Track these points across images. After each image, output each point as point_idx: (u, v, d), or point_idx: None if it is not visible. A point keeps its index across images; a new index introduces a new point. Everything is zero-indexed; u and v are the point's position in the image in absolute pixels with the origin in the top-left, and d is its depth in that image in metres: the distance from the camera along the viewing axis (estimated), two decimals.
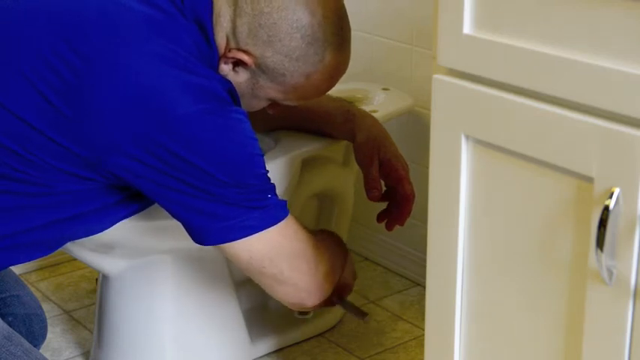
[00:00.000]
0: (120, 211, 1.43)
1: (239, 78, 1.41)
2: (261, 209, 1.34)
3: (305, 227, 1.45)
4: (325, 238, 1.53)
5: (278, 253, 1.40)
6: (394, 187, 1.65)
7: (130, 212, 1.45)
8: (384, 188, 1.66)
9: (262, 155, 1.35)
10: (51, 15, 1.34)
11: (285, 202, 1.38)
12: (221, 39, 1.38)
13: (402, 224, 1.65)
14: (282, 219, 1.37)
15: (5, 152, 1.31)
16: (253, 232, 1.35)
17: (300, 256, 1.43)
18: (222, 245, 1.36)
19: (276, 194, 1.37)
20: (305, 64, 1.39)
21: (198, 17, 1.36)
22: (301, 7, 1.36)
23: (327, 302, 1.59)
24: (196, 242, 1.37)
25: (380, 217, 1.67)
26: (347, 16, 1.44)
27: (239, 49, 1.38)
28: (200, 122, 1.28)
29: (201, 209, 1.33)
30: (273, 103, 1.47)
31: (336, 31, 1.40)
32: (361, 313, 1.72)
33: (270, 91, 1.42)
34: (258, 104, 1.47)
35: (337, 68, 1.43)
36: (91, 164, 1.31)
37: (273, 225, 1.36)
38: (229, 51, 1.38)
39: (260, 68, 1.39)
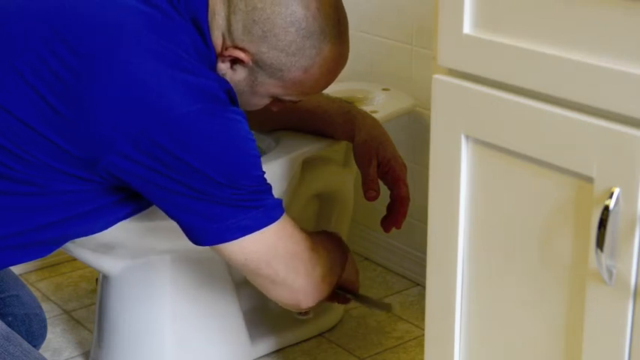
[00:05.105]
0: (118, 211, 1.43)
1: (237, 76, 1.41)
2: (257, 209, 1.34)
3: (302, 228, 1.44)
4: (323, 239, 1.52)
5: (274, 254, 1.39)
6: (391, 190, 1.65)
7: (128, 213, 1.45)
8: (382, 189, 1.66)
9: (259, 157, 1.34)
10: (48, 14, 1.33)
11: (281, 201, 1.38)
12: (217, 38, 1.38)
13: (398, 227, 1.64)
14: (278, 219, 1.37)
15: (2, 152, 1.31)
16: (248, 233, 1.35)
17: (296, 258, 1.42)
18: (217, 246, 1.36)
19: (272, 195, 1.37)
20: (302, 58, 1.39)
21: (194, 17, 1.36)
22: (295, 1, 1.35)
23: (342, 299, 1.60)
24: (193, 242, 1.37)
25: (381, 222, 1.66)
26: (343, 7, 1.43)
27: (235, 47, 1.38)
28: (197, 123, 1.28)
29: (196, 210, 1.32)
30: (276, 100, 1.47)
31: (332, 23, 1.39)
32: (383, 306, 1.71)
33: (270, 87, 1.42)
34: (260, 101, 1.46)
35: (336, 61, 1.43)
36: (88, 165, 1.31)
37: (268, 225, 1.36)
38: (226, 49, 1.38)
39: (257, 65, 1.39)
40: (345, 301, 1.62)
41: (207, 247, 1.37)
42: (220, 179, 1.30)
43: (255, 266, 1.40)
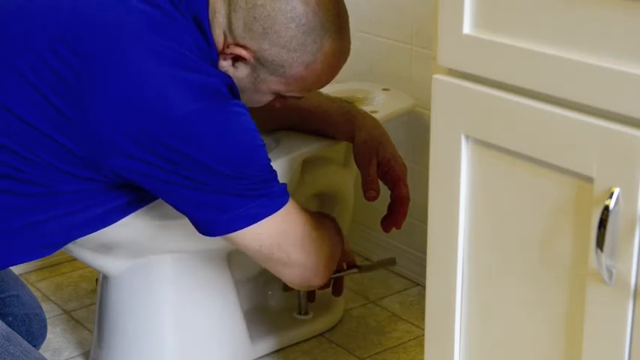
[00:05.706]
0: (121, 207, 1.43)
1: (239, 73, 1.41)
2: (265, 197, 1.36)
3: (305, 209, 1.47)
4: (322, 218, 1.55)
5: (284, 237, 1.42)
6: (391, 190, 1.65)
7: (131, 209, 1.45)
8: (382, 189, 1.66)
9: (264, 146, 1.36)
10: (48, 14, 1.34)
11: (286, 186, 1.40)
12: (218, 36, 1.38)
13: (398, 227, 1.65)
14: (285, 204, 1.39)
15: (6, 152, 1.31)
16: (258, 220, 1.37)
17: (305, 239, 1.45)
18: (229, 235, 1.38)
19: (278, 181, 1.39)
20: (303, 54, 1.39)
21: (195, 15, 1.36)
22: None
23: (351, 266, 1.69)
24: (203, 234, 1.39)
25: (381, 222, 1.67)
26: (343, 3, 1.43)
27: (237, 45, 1.38)
28: (200, 119, 1.28)
29: (205, 202, 1.34)
30: (278, 97, 1.48)
31: (332, 19, 1.39)
32: (388, 262, 1.76)
33: (272, 84, 1.43)
34: (263, 98, 1.47)
35: (337, 56, 1.43)
36: (92, 165, 1.31)
37: (276, 211, 1.38)
38: (227, 47, 1.38)
39: (259, 62, 1.39)
40: (354, 268, 1.69)
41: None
42: (227, 171, 1.31)
43: (269, 251, 1.43)
